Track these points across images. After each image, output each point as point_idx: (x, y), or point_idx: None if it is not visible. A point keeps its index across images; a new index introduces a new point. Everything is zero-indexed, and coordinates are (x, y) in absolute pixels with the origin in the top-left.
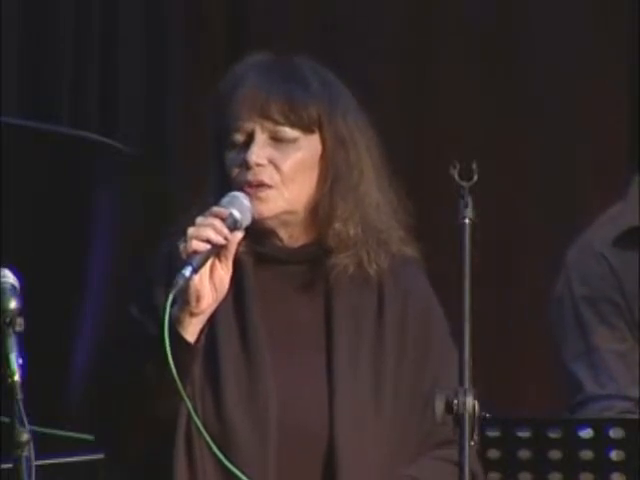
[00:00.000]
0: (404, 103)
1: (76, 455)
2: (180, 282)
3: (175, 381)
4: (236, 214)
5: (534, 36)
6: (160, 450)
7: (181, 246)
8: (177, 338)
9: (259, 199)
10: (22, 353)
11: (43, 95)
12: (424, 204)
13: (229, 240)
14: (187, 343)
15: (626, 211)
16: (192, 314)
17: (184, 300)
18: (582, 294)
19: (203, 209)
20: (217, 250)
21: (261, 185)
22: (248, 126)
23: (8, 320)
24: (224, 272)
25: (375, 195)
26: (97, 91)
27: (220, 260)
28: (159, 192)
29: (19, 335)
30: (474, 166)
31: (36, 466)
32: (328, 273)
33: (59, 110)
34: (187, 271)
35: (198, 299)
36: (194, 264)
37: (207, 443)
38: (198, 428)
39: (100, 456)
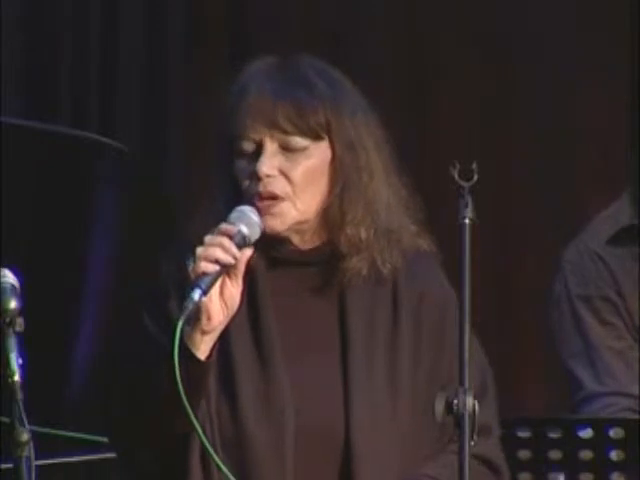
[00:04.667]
0: (404, 103)
1: (76, 455)
2: (189, 307)
3: (185, 407)
4: (244, 230)
5: (534, 36)
6: (174, 456)
7: (189, 267)
8: (189, 356)
9: (272, 215)
10: (22, 353)
11: (43, 95)
12: (424, 204)
13: (238, 259)
14: (199, 361)
15: (620, 211)
16: (203, 332)
17: (195, 319)
18: (578, 293)
19: (211, 214)
20: (226, 269)
21: (272, 198)
22: (257, 136)
23: (8, 320)
24: (234, 289)
25: (385, 194)
26: (97, 91)
27: (230, 277)
28: (158, 192)
29: (19, 335)
30: (474, 166)
31: (36, 466)
32: (342, 276)
33: (59, 110)
34: (196, 294)
35: (209, 318)
36: (203, 286)
37: (217, 464)
38: (209, 451)
39: (100, 456)
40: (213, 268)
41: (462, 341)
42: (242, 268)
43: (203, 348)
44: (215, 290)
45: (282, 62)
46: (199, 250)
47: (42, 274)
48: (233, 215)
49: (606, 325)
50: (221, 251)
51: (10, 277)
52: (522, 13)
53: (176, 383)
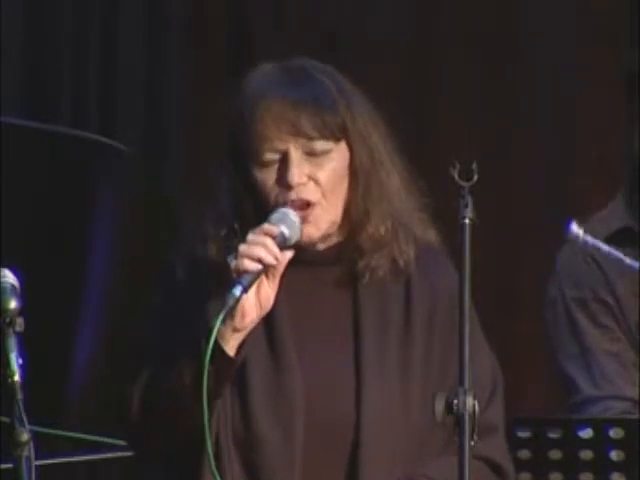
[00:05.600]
0: (404, 103)
1: (76, 455)
2: (230, 302)
3: (205, 398)
4: (286, 232)
5: (534, 36)
6: (188, 452)
7: (232, 263)
8: (219, 352)
9: (307, 222)
10: (22, 353)
11: (43, 95)
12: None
13: (279, 260)
14: (228, 357)
15: (614, 213)
16: (235, 329)
17: (229, 315)
18: (573, 296)
19: (217, 217)
20: (266, 269)
21: (306, 204)
22: (282, 146)
23: (8, 320)
24: (270, 289)
25: (398, 186)
26: (97, 91)
27: (268, 277)
28: (158, 192)
29: (19, 335)
30: (474, 166)
31: (36, 466)
32: (362, 273)
33: (59, 110)
34: (237, 291)
35: (243, 316)
36: (244, 283)
37: (209, 459)
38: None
39: (100, 456)
40: (255, 267)
41: (462, 341)
42: (281, 269)
43: (232, 344)
44: (252, 289)
45: (287, 67)
46: (242, 248)
47: (42, 274)
48: (275, 216)
49: (601, 328)
50: (264, 251)
51: (10, 277)
52: (522, 13)
53: (202, 377)
